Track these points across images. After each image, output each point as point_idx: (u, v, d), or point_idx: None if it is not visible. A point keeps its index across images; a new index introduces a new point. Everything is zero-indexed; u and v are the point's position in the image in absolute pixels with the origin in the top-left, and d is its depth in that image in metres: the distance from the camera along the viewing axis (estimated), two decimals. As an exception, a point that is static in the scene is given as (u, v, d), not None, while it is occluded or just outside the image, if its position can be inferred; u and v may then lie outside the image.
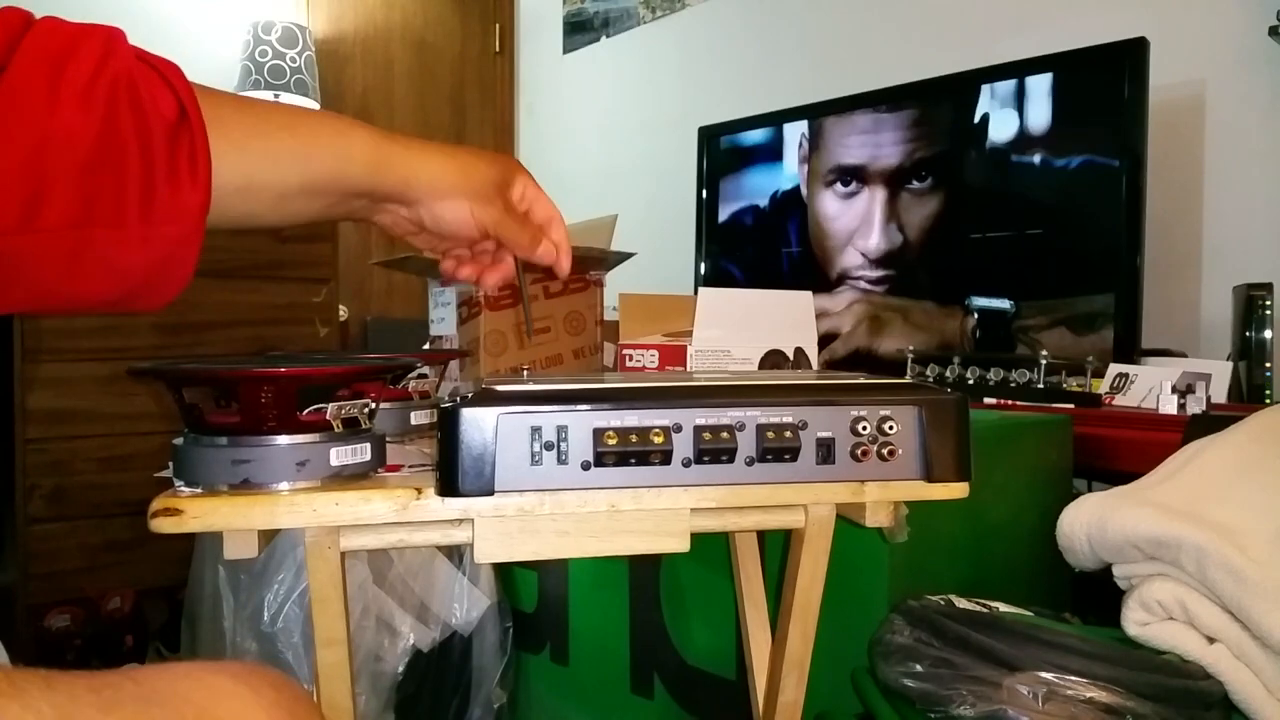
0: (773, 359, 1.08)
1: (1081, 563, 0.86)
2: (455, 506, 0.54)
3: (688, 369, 1.05)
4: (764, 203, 2.10)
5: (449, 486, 0.53)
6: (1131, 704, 0.68)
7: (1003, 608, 0.80)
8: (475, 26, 3.44)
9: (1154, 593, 0.77)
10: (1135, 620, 0.78)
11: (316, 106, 2.94)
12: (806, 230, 2.01)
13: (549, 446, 0.54)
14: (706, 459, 0.55)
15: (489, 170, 0.62)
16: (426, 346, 1.20)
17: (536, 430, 0.54)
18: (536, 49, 3.40)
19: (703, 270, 2.22)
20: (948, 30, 2.11)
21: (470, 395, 0.54)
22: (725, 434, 0.55)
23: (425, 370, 0.78)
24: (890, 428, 0.57)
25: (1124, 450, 1.12)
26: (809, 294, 1.11)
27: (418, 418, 0.76)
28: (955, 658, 0.72)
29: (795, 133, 2.03)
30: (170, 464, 0.55)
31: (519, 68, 3.48)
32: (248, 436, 0.53)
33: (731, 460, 0.56)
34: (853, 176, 1.90)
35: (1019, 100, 1.66)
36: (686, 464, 0.55)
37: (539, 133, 3.39)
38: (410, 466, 0.62)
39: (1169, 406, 1.24)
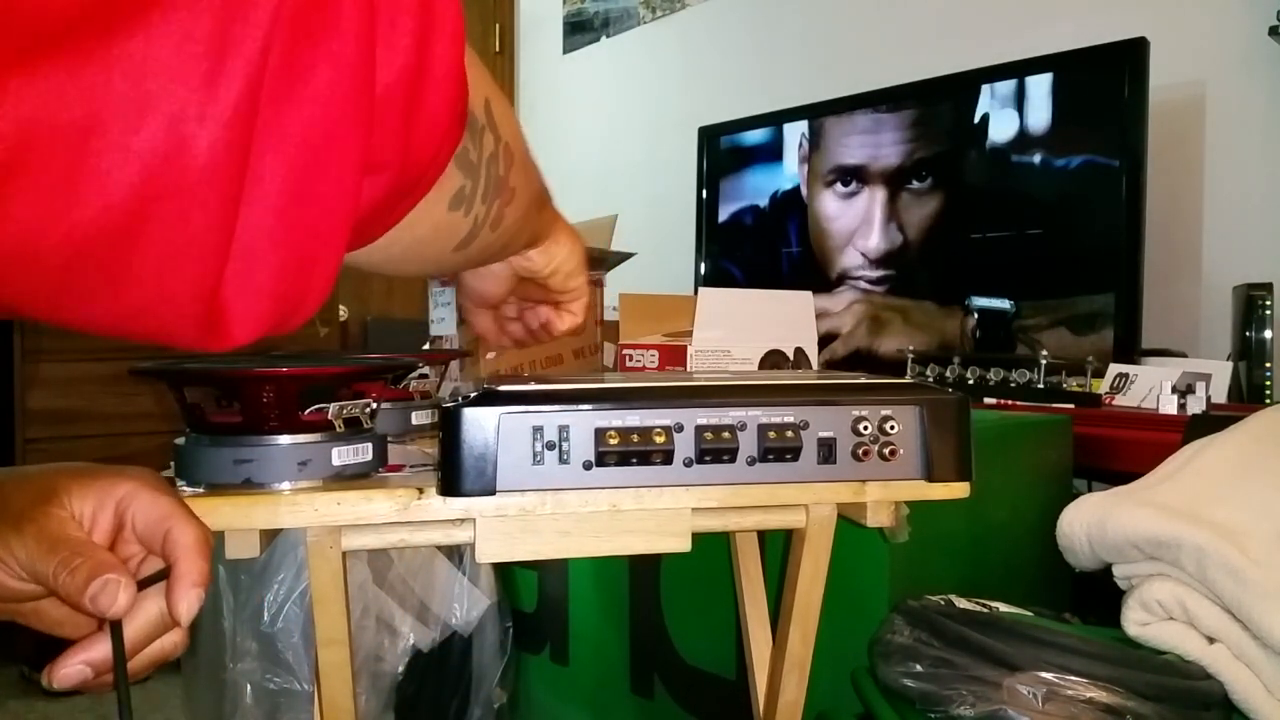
0: (773, 359, 1.08)
1: (1081, 563, 0.86)
2: (457, 506, 0.54)
3: (688, 369, 1.05)
4: (764, 203, 2.10)
5: (451, 486, 0.53)
6: (1131, 704, 0.68)
7: (1003, 608, 0.80)
8: (475, 26, 3.44)
9: (1154, 593, 0.77)
10: (1135, 620, 0.78)
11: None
12: (806, 230, 2.01)
13: (550, 446, 0.54)
14: (708, 459, 0.55)
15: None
16: (427, 346, 1.20)
17: (538, 430, 0.54)
18: (536, 49, 3.40)
19: (703, 270, 2.22)
20: (948, 30, 2.12)
21: (472, 395, 0.54)
22: (726, 434, 0.55)
23: (426, 370, 0.78)
24: (891, 427, 0.57)
25: (1124, 450, 1.12)
26: (809, 294, 1.11)
27: (419, 418, 0.76)
28: (955, 658, 0.72)
29: (795, 133, 2.03)
30: (172, 464, 0.55)
31: (519, 68, 3.48)
32: (249, 436, 0.53)
33: (733, 460, 0.56)
34: (853, 176, 1.90)
35: (1019, 100, 1.66)
36: (688, 464, 0.55)
37: (539, 133, 3.39)
38: (411, 466, 0.62)
39: (1169, 406, 1.24)
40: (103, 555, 0.40)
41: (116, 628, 0.39)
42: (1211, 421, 0.95)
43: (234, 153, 0.25)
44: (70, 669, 0.40)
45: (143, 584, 0.40)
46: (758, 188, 2.12)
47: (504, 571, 1.24)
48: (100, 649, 0.40)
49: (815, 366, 1.12)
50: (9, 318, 0.29)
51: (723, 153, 2.19)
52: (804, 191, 2.01)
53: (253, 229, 0.27)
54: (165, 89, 0.23)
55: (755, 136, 2.13)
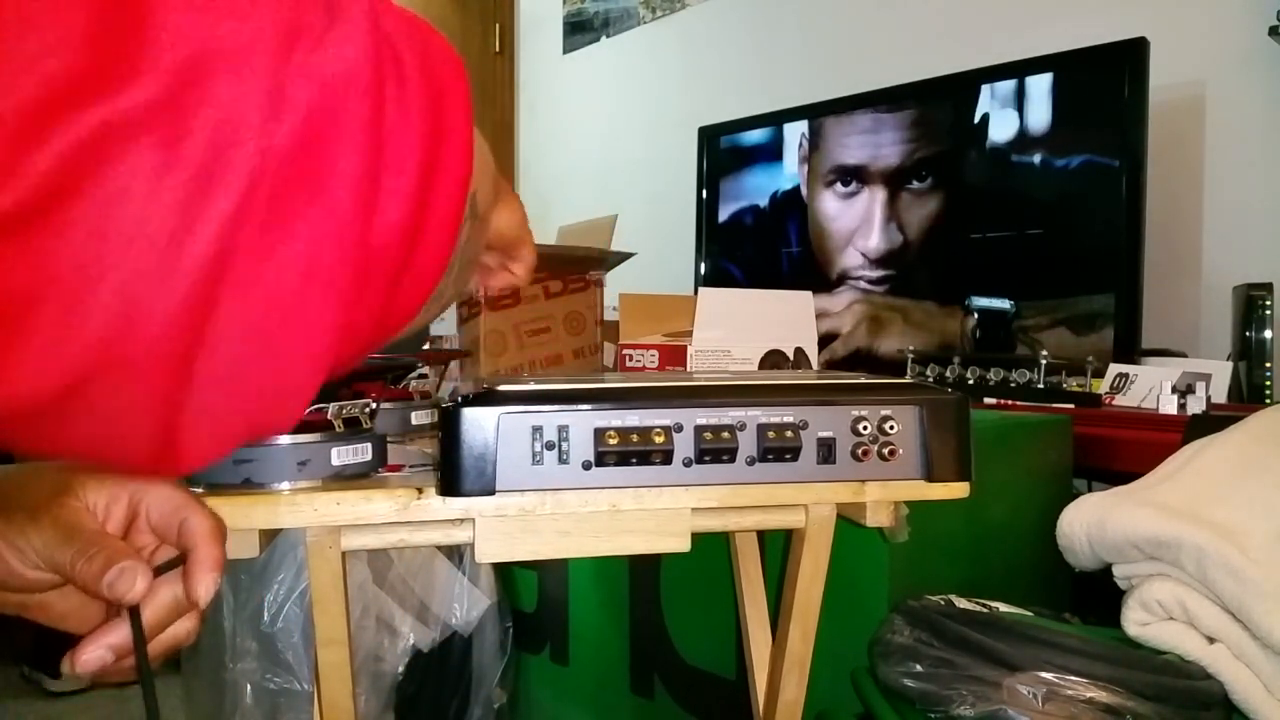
0: (773, 359, 1.08)
1: (1081, 563, 0.86)
2: (456, 506, 0.54)
3: (688, 369, 1.05)
4: (764, 203, 2.10)
5: (450, 486, 0.53)
6: (1131, 704, 0.68)
7: (1003, 608, 0.80)
8: (475, 26, 3.44)
9: (1154, 593, 0.77)
10: (1135, 620, 0.78)
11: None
12: (806, 230, 2.01)
13: (550, 446, 0.54)
14: (707, 459, 0.55)
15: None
16: (427, 346, 1.20)
17: (538, 430, 0.54)
18: (536, 49, 3.40)
19: (703, 270, 2.22)
20: (948, 30, 2.12)
21: (471, 395, 0.54)
22: (726, 434, 0.55)
23: (426, 370, 0.78)
24: (891, 427, 0.57)
25: (1124, 450, 1.12)
26: (809, 294, 1.11)
27: (418, 418, 0.76)
28: (955, 658, 0.72)
29: (795, 133, 2.03)
30: (171, 464, 0.55)
31: (519, 68, 3.48)
32: (249, 436, 0.53)
33: (732, 460, 0.56)
34: (853, 176, 1.90)
35: (1019, 100, 1.66)
36: (687, 464, 0.55)
37: (539, 133, 3.39)
38: (411, 466, 0.62)
39: (1169, 406, 1.24)
40: (117, 544, 0.40)
41: (135, 614, 0.40)
42: (1211, 421, 0.95)
43: (194, 314, 0.23)
44: (91, 654, 0.40)
45: (158, 571, 0.41)
46: (758, 188, 2.11)
47: (504, 571, 1.24)
48: (119, 633, 0.40)
49: (815, 366, 1.12)
50: None
51: (723, 153, 2.19)
52: (804, 191, 2.01)
53: (211, 379, 0.25)
54: (124, 253, 0.20)
55: (755, 136, 2.13)
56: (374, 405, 0.58)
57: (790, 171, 2.04)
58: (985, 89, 1.70)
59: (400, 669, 1.16)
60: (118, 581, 0.38)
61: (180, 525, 0.43)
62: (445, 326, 1.19)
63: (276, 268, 0.24)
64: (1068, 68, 1.60)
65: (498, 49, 3.46)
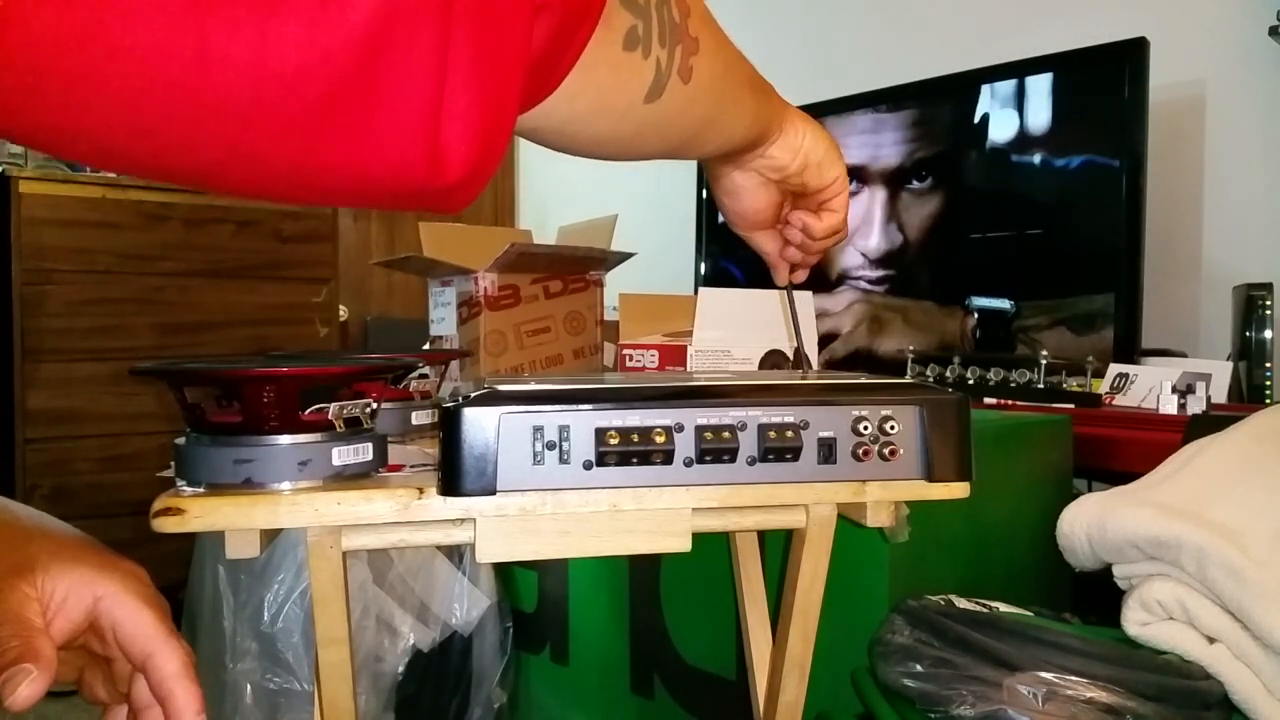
0: (773, 359, 1.08)
1: (1081, 563, 0.86)
2: (457, 506, 0.54)
3: (688, 369, 1.05)
4: (764, 203, 2.10)
5: (451, 486, 0.53)
6: (1132, 704, 0.68)
7: (1003, 608, 0.80)
8: (475, 26, 3.43)
9: (1154, 593, 0.77)
10: (1135, 620, 0.78)
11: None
12: (806, 230, 2.01)
13: (550, 446, 0.54)
14: (708, 459, 0.55)
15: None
16: (427, 346, 1.20)
17: (538, 430, 0.54)
18: (536, 49, 3.40)
19: (703, 270, 2.22)
20: (948, 30, 2.12)
21: (472, 395, 0.54)
22: (727, 434, 0.55)
23: (426, 370, 0.78)
24: (892, 427, 0.57)
25: (1124, 450, 1.12)
26: (809, 294, 1.11)
27: (419, 418, 0.76)
28: (955, 658, 0.72)
29: (795, 133, 2.03)
30: (172, 463, 0.55)
31: (519, 67, 3.48)
32: (250, 436, 0.53)
33: (733, 460, 0.56)
34: (853, 176, 1.90)
35: (1019, 100, 1.66)
36: (688, 464, 0.55)
37: (539, 133, 3.39)
38: (412, 466, 0.62)
39: (1169, 406, 1.24)
40: (36, 645, 0.40)
41: None
42: (1211, 421, 0.95)
43: None
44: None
45: None
46: (758, 188, 2.11)
47: (504, 571, 1.24)
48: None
49: (815, 366, 1.12)
50: (230, 186, 0.32)
51: (723, 153, 2.19)
52: (804, 191, 2.01)
53: (457, 59, 0.29)
54: None
55: (755, 136, 2.12)
56: (374, 405, 0.58)
57: (790, 171, 2.04)
58: (985, 89, 1.70)
59: (400, 669, 1.16)
60: (6, 683, 0.38)
61: (146, 662, 0.43)
62: (445, 326, 1.19)
63: None
64: (1068, 68, 1.60)
65: (498, 49, 3.46)
